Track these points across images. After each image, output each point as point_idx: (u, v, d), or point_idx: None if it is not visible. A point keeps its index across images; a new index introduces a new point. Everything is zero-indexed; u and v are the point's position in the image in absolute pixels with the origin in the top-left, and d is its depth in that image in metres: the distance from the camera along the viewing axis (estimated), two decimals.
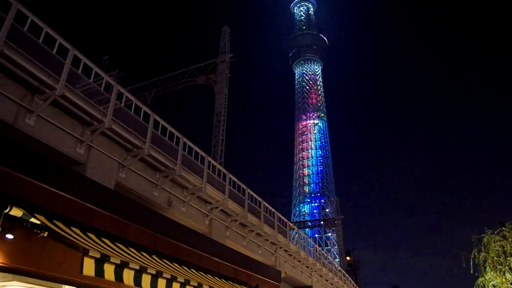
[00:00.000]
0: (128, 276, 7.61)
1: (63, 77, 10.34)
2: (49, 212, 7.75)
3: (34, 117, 10.05)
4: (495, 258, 24.19)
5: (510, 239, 24.10)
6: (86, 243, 7.33)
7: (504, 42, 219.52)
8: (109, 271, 7.23)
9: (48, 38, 10.53)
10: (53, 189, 8.15)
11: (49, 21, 10.63)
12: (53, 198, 8.11)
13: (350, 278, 47.59)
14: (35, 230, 7.32)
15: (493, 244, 24.43)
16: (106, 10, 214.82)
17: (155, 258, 9.88)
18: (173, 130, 15.29)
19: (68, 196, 8.46)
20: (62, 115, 10.96)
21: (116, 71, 37.11)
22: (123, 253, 8.37)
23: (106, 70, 32.93)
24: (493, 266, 24.25)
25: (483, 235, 25.09)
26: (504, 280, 23.79)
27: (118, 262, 7.44)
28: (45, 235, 7.33)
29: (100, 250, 7.27)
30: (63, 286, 8.11)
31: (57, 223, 7.52)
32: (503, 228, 24.80)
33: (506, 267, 23.91)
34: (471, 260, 24.68)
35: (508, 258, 23.98)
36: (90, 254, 6.90)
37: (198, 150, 16.87)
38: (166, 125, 14.93)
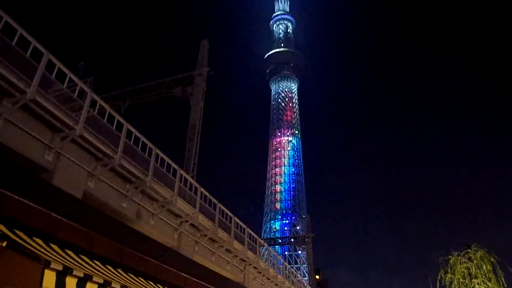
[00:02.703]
0: None
1: (36, 81, 10.05)
2: (9, 220, 7.40)
3: (1, 121, 9.67)
4: (461, 279, 24.81)
5: (475, 261, 24.82)
6: (48, 254, 7.03)
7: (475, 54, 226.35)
8: (71, 285, 6.94)
9: (22, 41, 10.25)
10: (15, 196, 7.81)
11: (24, 23, 10.37)
12: (15, 205, 7.77)
13: None
14: None
15: (459, 265, 25.08)
16: (85, 16, 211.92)
17: (121, 272, 9.57)
18: (146, 141, 15.07)
19: (31, 204, 8.13)
20: (32, 119, 10.61)
21: (91, 78, 36.35)
22: (87, 266, 8.07)
23: (81, 77, 32.18)
24: (458, 287, 24.84)
25: (449, 256, 25.75)
26: None
27: (81, 275, 7.16)
28: (4, 245, 6.97)
29: (62, 262, 6.99)
30: None
31: (18, 232, 7.19)
32: (469, 250, 25.55)
33: None
34: (438, 281, 25.21)
35: (473, 279, 24.64)
36: (51, 266, 6.62)
37: (171, 162, 16.66)
38: (139, 135, 14.70)
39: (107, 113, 13.46)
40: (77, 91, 12.41)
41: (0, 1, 9.71)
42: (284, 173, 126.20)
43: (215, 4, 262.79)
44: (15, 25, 10.05)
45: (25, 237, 7.21)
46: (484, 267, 24.52)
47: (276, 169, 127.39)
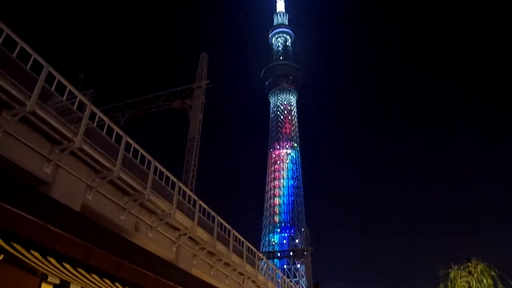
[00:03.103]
0: None
1: (35, 94, 10.09)
2: (7, 233, 7.33)
3: (0, 133, 9.67)
4: None
5: (475, 275, 24.59)
6: (46, 267, 6.97)
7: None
8: None
9: (22, 54, 10.32)
10: (13, 209, 7.75)
11: (24, 36, 10.45)
12: (12, 218, 7.69)
13: None
14: None
15: (459, 279, 24.82)
16: (85, 29, 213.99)
17: (118, 285, 9.46)
18: (145, 153, 15.05)
19: (29, 216, 8.05)
20: (31, 132, 10.62)
21: (91, 90, 36.51)
22: (84, 279, 7.99)
23: (81, 89, 32.33)
24: None
25: (449, 270, 25.51)
26: None
27: None
28: (1, 258, 6.90)
29: (60, 275, 6.93)
30: None
31: (15, 245, 7.12)
32: (469, 264, 25.32)
33: None
34: None
35: None
36: (49, 279, 6.57)
37: (169, 175, 16.62)
38: (138, 147, 14.69)
39: (106, 125, 13.48)
40: (76, 103, 12.45)
41: (1, 15, 9.77)
42: (283, 186, 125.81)
43: (214, 17, 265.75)
44: (15, 38, 10.13)
45: (23, 250, 7.14)
46: (484, 281, 24.25)
47: (275, 182, 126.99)
